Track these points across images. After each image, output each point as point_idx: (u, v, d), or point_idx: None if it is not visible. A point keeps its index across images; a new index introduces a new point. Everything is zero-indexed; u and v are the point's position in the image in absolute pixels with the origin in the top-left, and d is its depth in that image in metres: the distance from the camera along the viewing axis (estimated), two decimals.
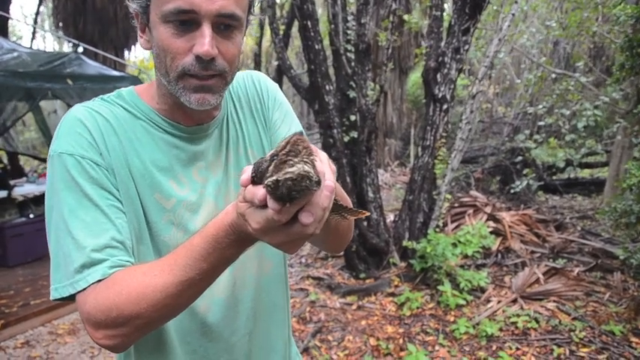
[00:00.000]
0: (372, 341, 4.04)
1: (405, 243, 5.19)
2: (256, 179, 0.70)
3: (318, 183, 0.66)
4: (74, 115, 1.02)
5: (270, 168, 0.66)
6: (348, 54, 5.38)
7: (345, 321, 4.45)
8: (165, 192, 1.07)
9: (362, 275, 5.38)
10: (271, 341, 1.28)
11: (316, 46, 4.95)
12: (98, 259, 0.90)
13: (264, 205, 0.69)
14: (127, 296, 0.85)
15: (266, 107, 1.26)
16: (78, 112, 1.03)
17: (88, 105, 1.06)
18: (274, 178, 0.64)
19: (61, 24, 12.70)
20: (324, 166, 0.71)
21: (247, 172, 0.73)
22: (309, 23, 4.87)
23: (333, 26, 5.09)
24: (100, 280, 0.89)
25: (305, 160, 0.64)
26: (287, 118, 1.28)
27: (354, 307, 4.75)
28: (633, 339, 3.84)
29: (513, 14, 4.93)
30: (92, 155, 0.98)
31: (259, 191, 0.69)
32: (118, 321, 0.86)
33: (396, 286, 5.05)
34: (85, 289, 0.89)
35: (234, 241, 0.81)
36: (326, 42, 5.69)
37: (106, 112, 1.06)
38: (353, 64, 5.36)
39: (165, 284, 0.85)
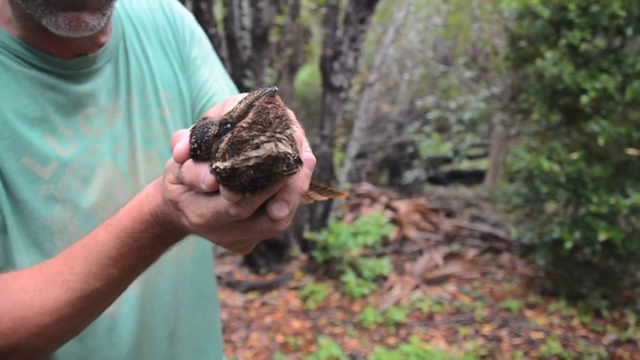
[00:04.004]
0: (280, 338, 3.84)
1: (306, 235, 5.05)
2: (200, 152, 0.45)
3: (298, 161, 0.44)
4: None
5: (222, 146, 0.41)
6: (244, 41, 5.12)
7: (248, 319, 4.21)
8: (40, 153, 0.73)
9: (262, 270, 5.15)
10: (200, 343, 0.99)
11: (211, 31, 4.63)
12: None
13: (212, 192, 0.45)
14: None
15: (181, 40, 0.96)
16: None
17: None
18: (228, 164, 0.41)
19: None
20: (299, 131, 0.49)
21: (184, 139, 0.47)
22: (203, 5, 4.55)
23: (228, 8, 4.81)
24: None
25: (278, 137, 0.40)
26: (209, 58, 1.00)
27: (257, 304, 4.52)
28: (527, 313, 4.04)
29: (410, 4, 5.01)
30: None
31: (207, 175, 0.44)
32: None
33: (299, 280, 4.90)
34: None
35: (157, 238, 0.56)
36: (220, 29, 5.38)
37: None
38: (249, 51, 5.11)
39: (58, 302, 0.56)
